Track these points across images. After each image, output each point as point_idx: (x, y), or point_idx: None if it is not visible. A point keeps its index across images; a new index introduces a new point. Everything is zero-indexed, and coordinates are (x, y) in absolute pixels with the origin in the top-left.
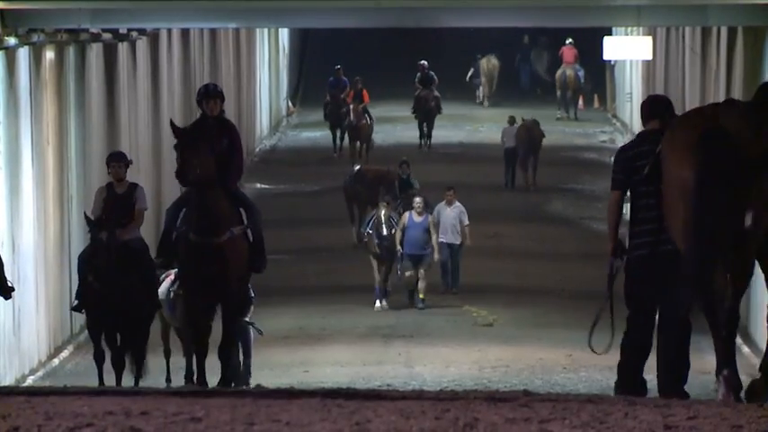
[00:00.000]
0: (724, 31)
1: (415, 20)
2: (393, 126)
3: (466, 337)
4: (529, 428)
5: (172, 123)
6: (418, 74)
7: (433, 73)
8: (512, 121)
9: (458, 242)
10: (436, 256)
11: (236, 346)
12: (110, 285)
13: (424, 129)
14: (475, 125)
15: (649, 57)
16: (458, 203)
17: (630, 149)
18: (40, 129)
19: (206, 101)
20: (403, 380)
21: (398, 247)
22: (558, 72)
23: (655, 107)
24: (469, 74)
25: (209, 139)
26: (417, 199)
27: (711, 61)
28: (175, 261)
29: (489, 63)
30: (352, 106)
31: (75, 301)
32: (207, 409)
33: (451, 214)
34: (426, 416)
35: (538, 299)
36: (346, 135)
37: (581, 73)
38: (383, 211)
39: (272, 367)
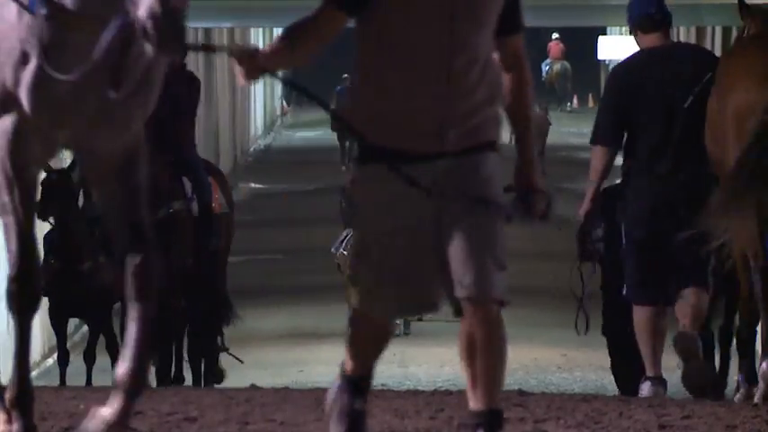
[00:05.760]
0: (718, 30)
1: None
2: None
3: None
4: (523, 428)
5: None
6: None
7: None
8: None
9: None
10: None
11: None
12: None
13: None
14: None
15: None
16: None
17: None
18: None
19: None
20: (398, 380)
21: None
22: (556, 67)
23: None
24: None
25: None
26: None
27: None
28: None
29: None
30: None
31: None
32: (201, 408)
33: None
34: (421, 415)
35: (531, 298)
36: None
37: (568, 67)
38: None
39: (267, 367)
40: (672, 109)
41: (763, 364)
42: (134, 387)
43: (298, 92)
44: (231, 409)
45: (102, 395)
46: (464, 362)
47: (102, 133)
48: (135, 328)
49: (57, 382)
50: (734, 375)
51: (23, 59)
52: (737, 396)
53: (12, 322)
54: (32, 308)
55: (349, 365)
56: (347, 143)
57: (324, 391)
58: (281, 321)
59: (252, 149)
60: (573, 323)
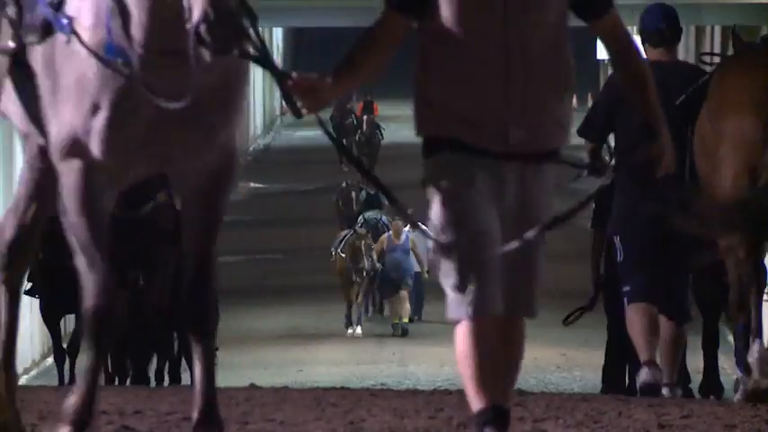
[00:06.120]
0: (718, 30)
1: None
2: (387, 125)
3: None
4: (522, 428)
5: None
6: None
7: None
8: None
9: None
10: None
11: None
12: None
13: None
14: None
15: (643, 56)
16: (421, 225)
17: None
18: None
19: None
20: (397, 379)
21: (377, 264)
22: None
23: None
24: None
25: None
26: (398, 222)
27: (705, 60)
28: None
29: None
30: (365, 118)
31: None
32: None
33: (418, 237)
34: (420, 415)
35: None
36: (354, 147)
37: None
38: (363, 242)
39: (266, 367)
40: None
41: (754, 345)
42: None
43: (343, 155)
44: (231, 409)
45: (101, 395)
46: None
47: (185, 155)
48: (198, 369)
49: (56, 382)
50: (733, 375)
51: (93, 109)
52: (737, 395)
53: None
54: (110, 344)
55: (477, 401)
56: (345, 143)
57: (323, 390)
58: (281, 321)
59: (251, 149)
60: (572, 323)
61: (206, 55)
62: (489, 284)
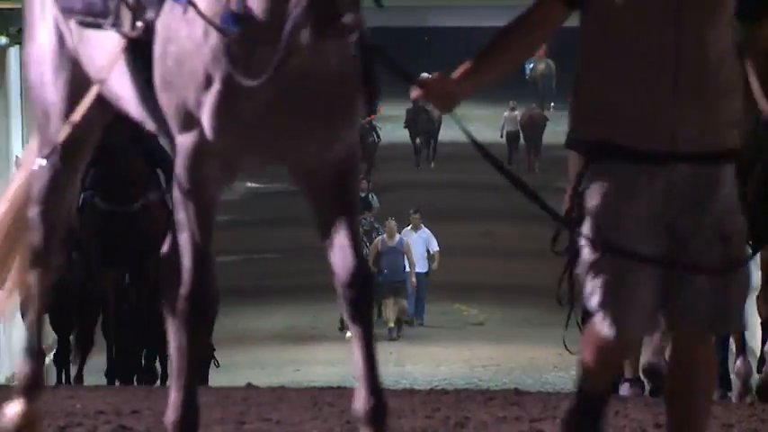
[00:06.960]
0: None
1: (406, 19)
2: (383, 125)
3: (456, 337)
4: (519, 427)
5: None
6: None
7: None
8: (513, 107)
9: (424, 270)
10: (414, 280)
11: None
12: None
13: (417, 144)
14: (467, 124)
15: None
16: (425, 229)
17: None
18: (30, 129)
19: None
20: (394, 379)
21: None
22: (540, 66)
23: None
24: None
25: None
26: (391, 223)
27: None
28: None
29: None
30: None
31: None
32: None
33: (418, 241)
34: (417, 415)
35: (528, 298)
36: None
37: (552, 65)
38: None
39: (263, 366)
40: None
41: (738, 361)
42: (378, 419)
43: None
44: (228, 409)
45: (99, 394)
46: (668, 398)
47: (306, 148)
48: (358, 353)
49: (52, 382)
50: (731, 374)
51: (207, 82)
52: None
53: (5, 321)
54: (204, 328)
55: (587, 383)
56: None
57: (320, 390)
58: (278, 321)
59: None
60: (573, 323)
61: (304, 38)
62: (635, 308)
